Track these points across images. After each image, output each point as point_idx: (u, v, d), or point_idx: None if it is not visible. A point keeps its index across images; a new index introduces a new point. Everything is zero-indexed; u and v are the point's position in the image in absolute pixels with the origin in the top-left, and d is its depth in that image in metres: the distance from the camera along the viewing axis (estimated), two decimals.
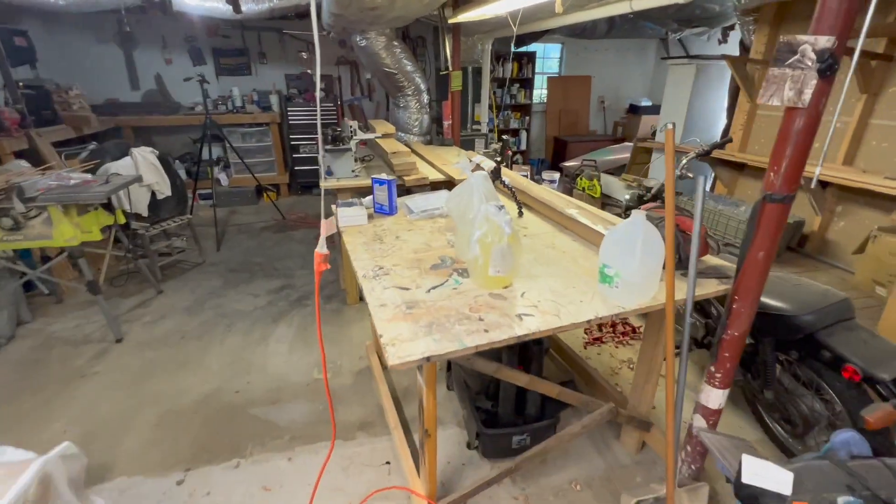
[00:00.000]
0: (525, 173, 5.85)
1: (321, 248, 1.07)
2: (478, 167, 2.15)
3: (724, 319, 1.29)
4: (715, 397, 1.38)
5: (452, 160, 3.20)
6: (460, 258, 1.50)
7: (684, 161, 2.28)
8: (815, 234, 3.22)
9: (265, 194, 5.31)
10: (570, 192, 4.80)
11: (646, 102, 6.43)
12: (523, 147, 6.83)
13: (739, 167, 3.78)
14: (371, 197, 2.02)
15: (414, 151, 3.55)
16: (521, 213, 1.96)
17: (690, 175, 2.26)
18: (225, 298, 3.18)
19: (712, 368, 1.36)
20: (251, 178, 4.88)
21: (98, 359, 2.50)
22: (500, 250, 1.23)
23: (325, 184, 2.60)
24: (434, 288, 1.31)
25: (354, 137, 2.67)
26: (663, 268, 1.21)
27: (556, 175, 6.12)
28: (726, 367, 1.33)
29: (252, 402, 2.20)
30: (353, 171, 2.71)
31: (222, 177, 5.28)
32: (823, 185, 3.05)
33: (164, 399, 2.20)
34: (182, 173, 5.19)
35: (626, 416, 1.71)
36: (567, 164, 5.28)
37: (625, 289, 1.20)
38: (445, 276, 1.38)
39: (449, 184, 2.74)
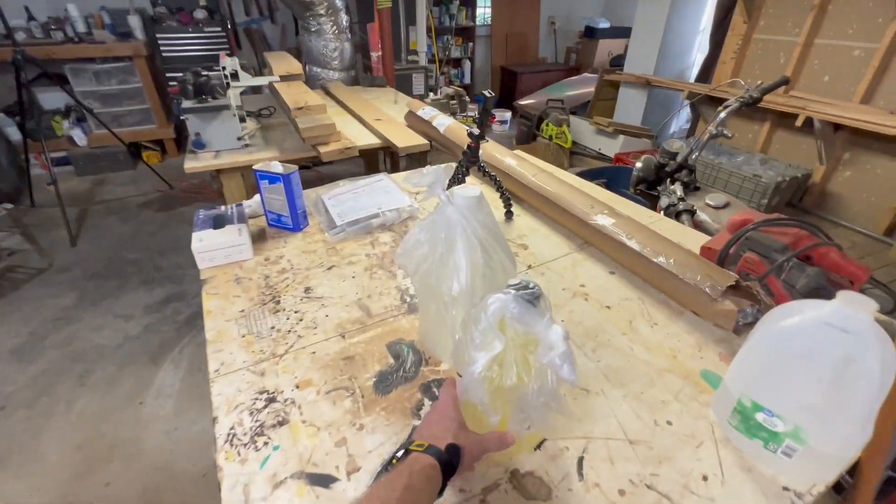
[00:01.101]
0: (473, 114, 5.00)
1: None
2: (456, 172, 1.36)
3: None
4: None
5: (387, 109, 2.32)
6: (431, 352, 0.78)
7: (722, 114, 1.62)
8: (814, 186, 2.81)
9: (143, 155, 4.06)
10: (530, 140, 4.07)
11: (603, 24, 5.63)
12: (467, 80, 5.88)
13: None
14: (259, 196, 1.19)
15: (334, 98, 2.60)
16: (509, 214, 1.24)
17: (728, 133, 1.62)
18: (80, 326, 2.24)
19: None
20: (120, 135, 3.65)
21: None
22: (534, 399, 0.53)
23: (191, 164, 1.68)
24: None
25: (234, 85, 1.71)
26: None
27: (507, 115, 5.32)
28: None
29: None
30: (239, 138, 1.79)
31: (76, 133, 3.93)
32: (835, 128, 2.58)
33: None
34: (14, 132, 3.81)
35: None
36: (523, 102, 4.48)
37: (808, 459, 0.55)
38: (407, 417, 0.66)
39: (388, 150, 1.91)
